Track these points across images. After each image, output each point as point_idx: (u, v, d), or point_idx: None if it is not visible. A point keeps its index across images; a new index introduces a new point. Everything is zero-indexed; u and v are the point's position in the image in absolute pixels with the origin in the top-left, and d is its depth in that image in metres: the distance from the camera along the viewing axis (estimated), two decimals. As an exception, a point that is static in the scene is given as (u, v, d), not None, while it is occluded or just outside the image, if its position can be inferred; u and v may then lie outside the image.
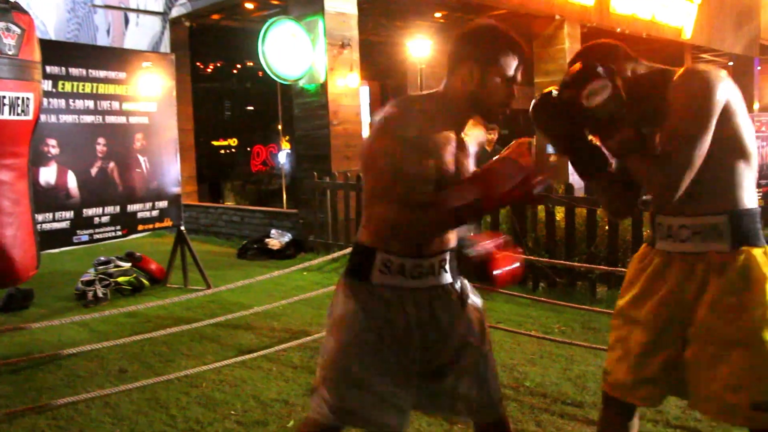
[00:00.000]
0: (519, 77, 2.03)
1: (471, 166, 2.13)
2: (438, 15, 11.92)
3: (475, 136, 2.16)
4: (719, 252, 2.02)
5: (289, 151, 13.10)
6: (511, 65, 1.99)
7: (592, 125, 2.03)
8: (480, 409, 2.17)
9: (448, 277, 2.15)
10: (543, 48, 11.97)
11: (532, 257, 5.89)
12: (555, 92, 2.07)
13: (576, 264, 5.77)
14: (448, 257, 2.14)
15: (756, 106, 17.31)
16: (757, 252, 2.01)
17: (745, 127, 2.01)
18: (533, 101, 2.13)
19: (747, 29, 16.50)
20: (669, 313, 2.09)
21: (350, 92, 9.07)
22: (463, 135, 2.09)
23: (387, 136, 1.95)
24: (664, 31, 13.62)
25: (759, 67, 18.18)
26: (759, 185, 11.72)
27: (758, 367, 1.95)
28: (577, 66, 2.00)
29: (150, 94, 6.45)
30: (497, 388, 2.21)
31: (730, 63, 18.34)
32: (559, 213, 6.16)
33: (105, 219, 6.07)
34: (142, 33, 12.39)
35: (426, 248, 2.09)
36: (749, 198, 2.04)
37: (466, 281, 2.23)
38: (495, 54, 1.98)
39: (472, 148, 2.15)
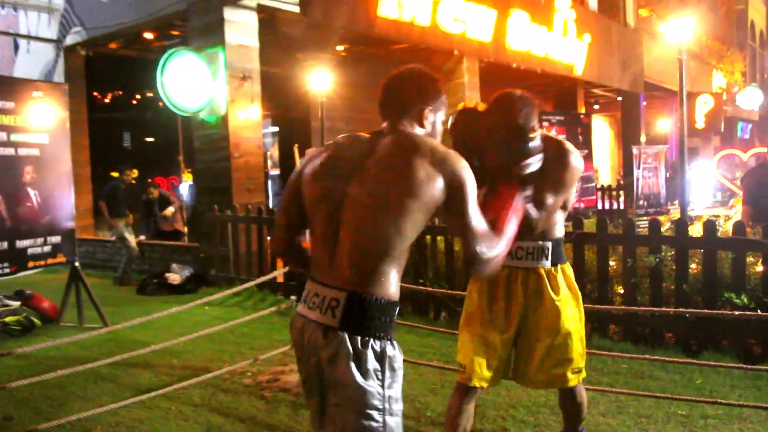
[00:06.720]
0: None
1: None
2: (340, 48, 12.05)
3: None
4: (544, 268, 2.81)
5: (191, 183, 12.85)
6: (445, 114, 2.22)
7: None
8: None
9: None
10: (443, 82, 12.27)
11: (432, 288, 6.00)
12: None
13: (476, 293, 5.88)
14: None
15: (642, 138, 18.31)
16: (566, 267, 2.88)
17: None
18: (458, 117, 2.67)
19: (633, 68, 17.47)
20: (509, 312, 2.87)
21: (251, 125, 9.05)
22: None
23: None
24: (557, 67, 14.23)
25: (644, 103, 19.27)
26: (647, 213, 12.38)
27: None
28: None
29: (41, 125, 6.23)
30: None
31: (619, 98, 19.37)
32: (458, 244, 6.30)
33: (-9, 256, 5.79)
34: (34, 60, 11.97)
35: None
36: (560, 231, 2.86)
37: None
38: (442, 102, 2.22)
39: None
